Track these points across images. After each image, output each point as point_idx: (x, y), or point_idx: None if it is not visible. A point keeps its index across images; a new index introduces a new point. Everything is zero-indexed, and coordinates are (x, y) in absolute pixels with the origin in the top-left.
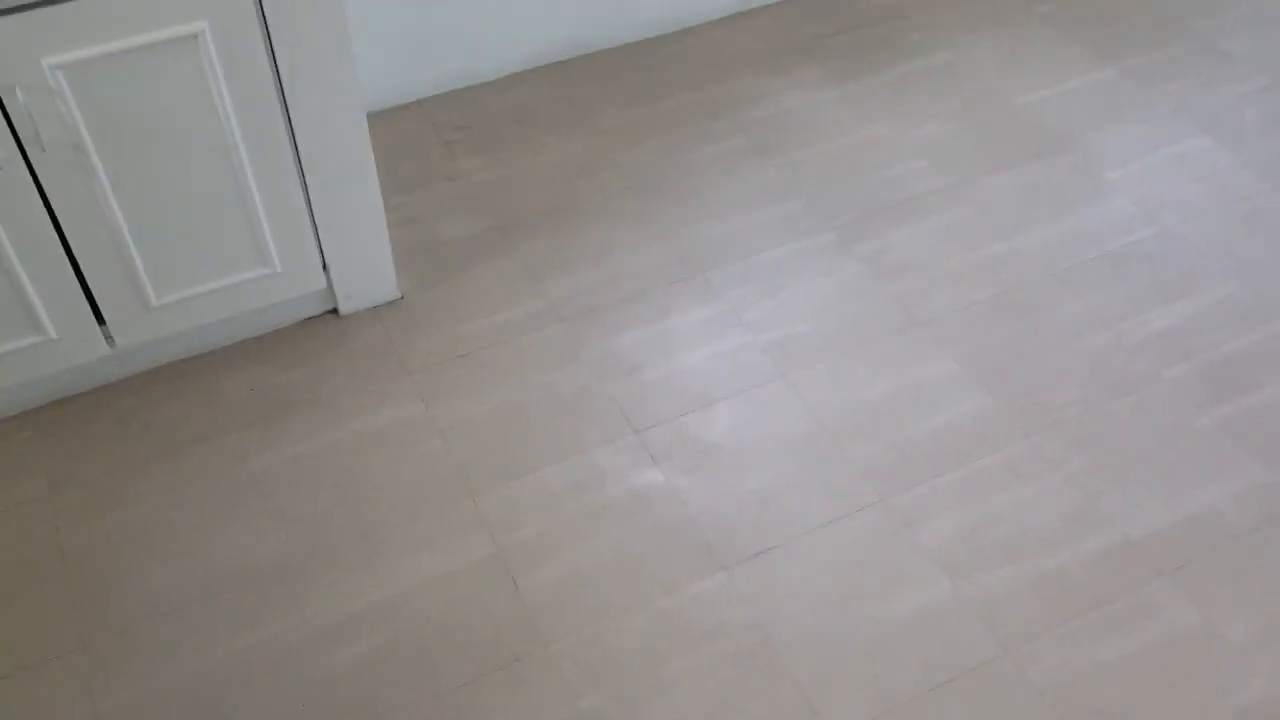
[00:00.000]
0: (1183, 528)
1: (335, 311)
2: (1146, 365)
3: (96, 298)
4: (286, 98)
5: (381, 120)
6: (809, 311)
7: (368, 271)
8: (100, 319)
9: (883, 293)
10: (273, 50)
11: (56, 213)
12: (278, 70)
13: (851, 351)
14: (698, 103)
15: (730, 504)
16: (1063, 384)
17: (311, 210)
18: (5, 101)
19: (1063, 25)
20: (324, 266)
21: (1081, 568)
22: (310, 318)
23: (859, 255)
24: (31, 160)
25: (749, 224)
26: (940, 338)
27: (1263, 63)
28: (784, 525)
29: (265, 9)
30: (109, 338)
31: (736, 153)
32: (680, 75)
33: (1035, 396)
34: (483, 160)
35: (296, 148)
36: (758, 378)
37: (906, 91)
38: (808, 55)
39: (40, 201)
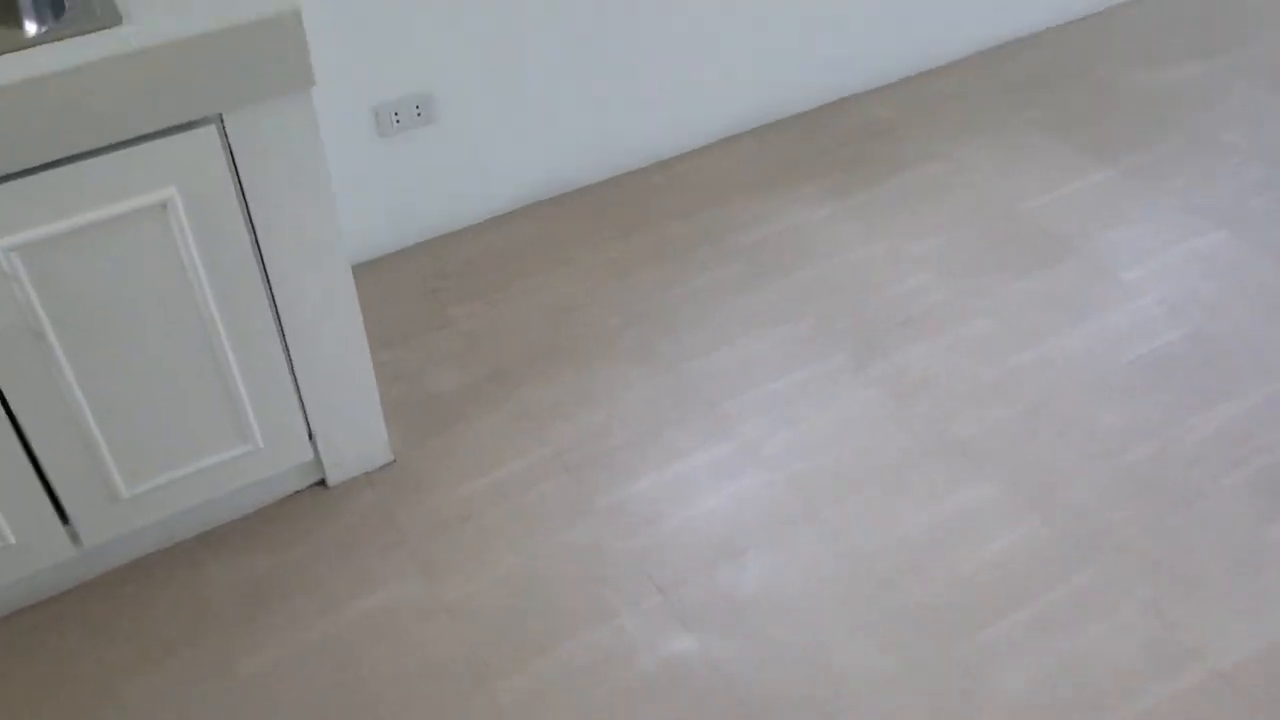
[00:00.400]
0: (1273, 654)
1: (323, 483)
2: (1201, 475)
3: (59, 495)
4: (265, 261)
5: (363, 272)
6: (832, 441)
7: (358, 437)
8: (64, 518)
9: (908, 415)
10: (249, 212)
11: (11, 406)
12: (255, 233)
13: (884, 481)
14: (690, 231)
15: (776, 669)
16: (1116, 501)
17: (296, 379)
18: None
19: (1054, 128)
20: (310, 436)
21: (1173, 711)
22: (296, 492)
23: (876, 377)
24: None
25: (756, 352)
26: (977, 459)
27: (1262, 152)
28: (839, 689)
29: (240, 170)
30: (75, 537)
31: (735, 278)
32: (669, 205)
33: (1089, 518)
34: (471, 306)
35: (278, 313)
36: (787, 519)
37: (903, 204)
38: (798, 175)
39: None
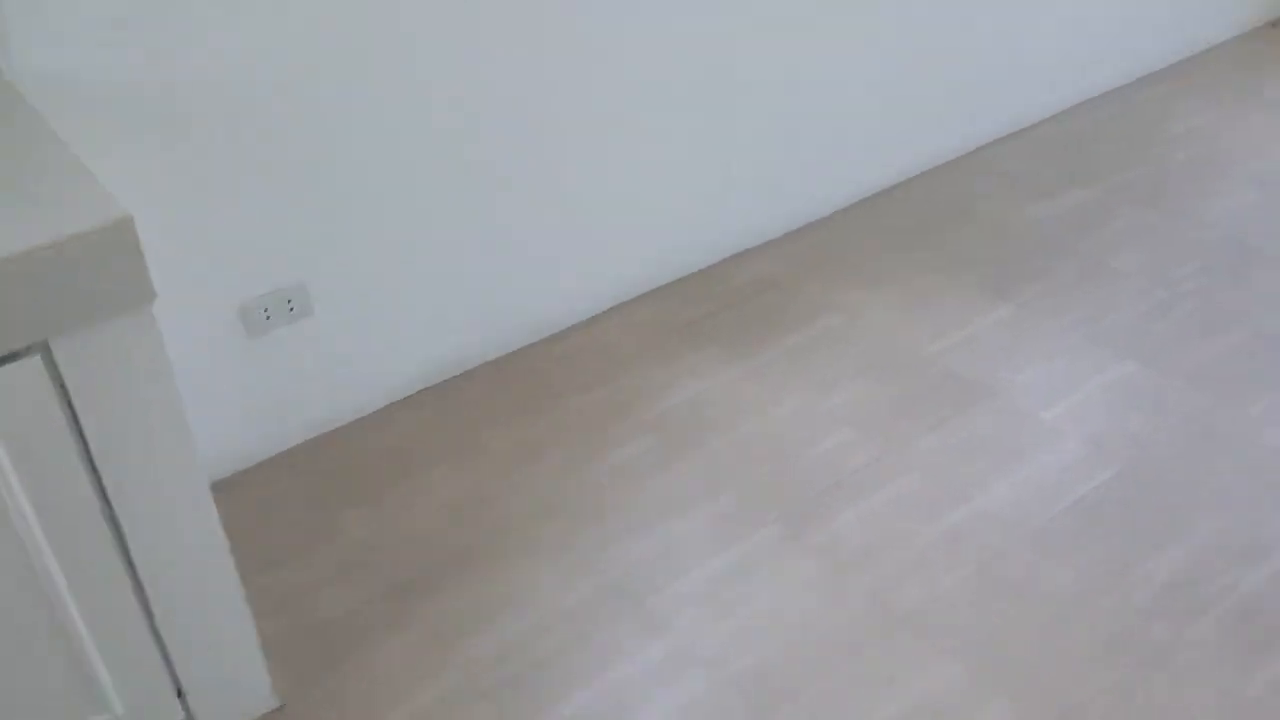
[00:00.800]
0: None
1: None
2: (1166, 629)
3: None
4: (110, 500)
5: (238, 483)
6: (774, 628)
7: (235, 685)
8: None
9: (851, 589)
10: (87, 448)
11: None
12: (95, 470)
13: (837, 670)
14: (593, 406)
15: None
16: (1085, 671)
17: (156, 630)
18: None
19: (946, 269)
20: (179, 693)
21: None
22: None
23: (811, 549)
24: None
25: (680, 533)
26: (931, 635)
27: (1155, 275)
28: None
29: (73, 402)
30: None
31: (648, 454)
32: (568, 379)
33: (1061, 691)
34: (364, 511)
35: (129, 557)
36: None
37: (809, 359)
38: (697, 338)
39: None
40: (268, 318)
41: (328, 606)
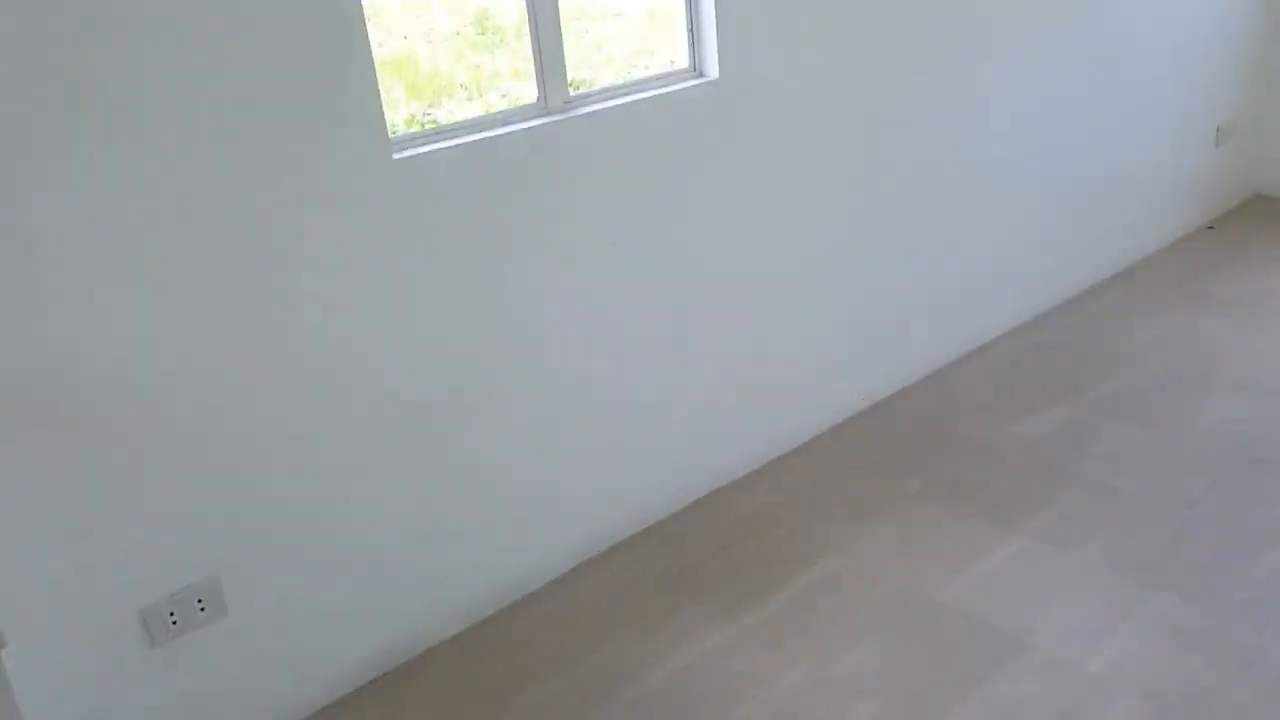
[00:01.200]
0: None
1: None
2: None
3: None
4: None
5: None
6: None
7: None
8: None
9: None
10: None
11: None
12: None
13: None
14: (573, 686)
15: None
16: None
17: None
18: None
19: (942, 498)
20: None
21: None
22: None
23: None
24: None
25: None
26: None
27: (1164, 496)
28: None
29: None
30: None
31: None
32: (534, 657)
33: None
34: None
35: None
36: None
37: (810, 613)
38: (681, 592)
39: None
40: (174, 622)
41: None
